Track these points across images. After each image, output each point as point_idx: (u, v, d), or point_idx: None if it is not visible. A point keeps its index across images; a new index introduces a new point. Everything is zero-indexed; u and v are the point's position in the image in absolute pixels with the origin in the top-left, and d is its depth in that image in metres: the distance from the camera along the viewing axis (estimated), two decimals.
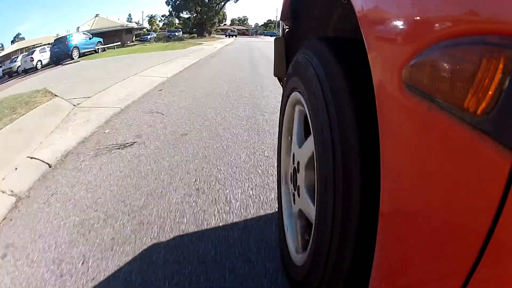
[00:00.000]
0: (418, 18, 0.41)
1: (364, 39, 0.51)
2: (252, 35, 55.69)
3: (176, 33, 37.41)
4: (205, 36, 35.79)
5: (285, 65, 1.20)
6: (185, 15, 43.49)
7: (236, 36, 43.34)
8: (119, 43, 24.62)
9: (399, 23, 0.45)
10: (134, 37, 36.25)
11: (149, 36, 36.51)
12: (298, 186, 0.86)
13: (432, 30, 0.37)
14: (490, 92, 0.28)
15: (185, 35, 38.70)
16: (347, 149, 0.55)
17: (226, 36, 40.44)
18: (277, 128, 1.16)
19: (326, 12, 1.01)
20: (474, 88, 0.29)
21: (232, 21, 75.92)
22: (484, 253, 0.29)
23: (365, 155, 0.53)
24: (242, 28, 63.53)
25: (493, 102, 0.27)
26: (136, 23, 48.45)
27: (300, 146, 0.87)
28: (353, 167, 0.54)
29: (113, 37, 29.48)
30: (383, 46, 0.48)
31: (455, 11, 0.34)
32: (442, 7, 0.36)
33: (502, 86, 0.27)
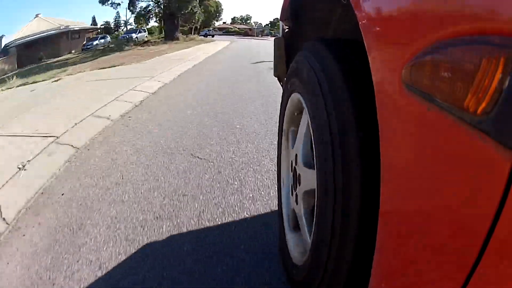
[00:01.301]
0: (418, 18, 0.41)
1: (364, 39, 0.51)
2: (257, 36, 41.12)
3: (135, 35, 24.07)
4: (177, 40, 19.35)
5: (285, 65, 1.20)
6: (143, 3, 24.68)
7: (213, 36, 31.15)
8: None
9: (399, 23, 0.45)
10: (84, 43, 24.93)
11: (94, 42, 23.67)
12: (298, 185, 0.86)
13: (432, 30, 0.37)
14: (490, 92, 0.28)
15: (151, 37, 25.69)
16: (347, 149, 0.55)
17: (202, 35, 28.83)
18: None
19: (326, 12, 1.01)
20: (474, 88, 0.29)
21: (234, 19, 70.48)
22: (484, 253, 0.29)
23: (365, 154, 0.53)
24: (244, 28, 55.94)
25: (493, 102, 0.27)
26: (92, 24, 34.72)
27: (300, 146, 0.87)
28: (353, 167, 0.54)
29: (50, 46, 21.02)
30: (383, 46, 0.48)
31: (455, 11, 0.34)
32: (442, 7, 0.36)
33: (502, 86, 0.27)
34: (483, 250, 0.29)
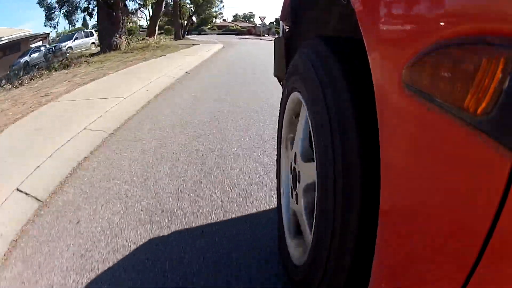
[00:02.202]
0: (418, 18, 0.41)
1: (364, 39, 0.51)
2: (263, 35, 29.62)
3: (67, 44, 15.60)
4: (115, 50, 10.26)
5: (285, 65, 1.20)
6: None
7: (182, 37, 19.74)
8: None
9: (399, 23, 0.45)
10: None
11: (23, 59, 15.39)
12: (298, 183, 0.86)
13: (432, 30, 0.37)
14: (490, 92, 0.28)
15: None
16: (348, 148, 0.55)
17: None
18: None
19: (325, 12, 1.01)
20: (474, 88, 0.29)
21: (236, 17, 64.53)
22: (484, 253, 0.29)
23: (365, 154, 0.53)
24: (247, 26, 47.43)
25: (493, 102, 0.27)
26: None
27: (300, 146, 0.87)
28: (353, 166, 0.54)
29: None
30: (383, 46, 0.48)
31: (455, 11, 0.34)
32: (442, 7, 0.36)
33: (502, 86, 0.27)
34: (483, 250, 0.29)
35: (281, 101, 1.07)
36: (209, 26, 44.21)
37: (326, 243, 0.60)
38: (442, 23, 0.36)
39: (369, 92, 0.50)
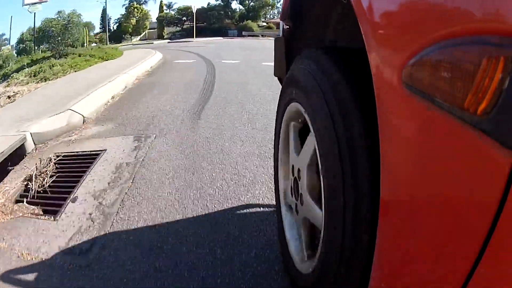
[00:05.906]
0: (418, 18, 0.41)
1: (363, 39, 0.50)
2: None
3: None
4: None
5: (286, 65, 1.19)
6: None
7: None
8: None
9: (398, 23, 0.45)
10: None
11: None
12: (301, 194, 0.84)
13: (432, 30, 0.37)
14: (490, 92, 0.28)
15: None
16: (353, 152, 0.54)
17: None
18: None
19: (325, 12, 1.01)
20: (474, 88, 0.29)
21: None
22: (484, 253, 0.29)
23: (371, 156, 0.52)
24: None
25: (493, 102, 0.27)
26: None
27: (298, 154, 0.85)
28: (363, 178, 0.52)
29: None
30: (383, 46, 0.48)
31: (455, 11, 0.34)
32: (442, 7, 0.36)
33: (502, 86, 0.27)
34: (483, 250, 0.29)
35: (278, 111, 1.06)
36: (262, 22, 25.09)
37: (337, 248, 0.58)
38: (442, 23, 0.36)
39: (371, 94, 0.49)
